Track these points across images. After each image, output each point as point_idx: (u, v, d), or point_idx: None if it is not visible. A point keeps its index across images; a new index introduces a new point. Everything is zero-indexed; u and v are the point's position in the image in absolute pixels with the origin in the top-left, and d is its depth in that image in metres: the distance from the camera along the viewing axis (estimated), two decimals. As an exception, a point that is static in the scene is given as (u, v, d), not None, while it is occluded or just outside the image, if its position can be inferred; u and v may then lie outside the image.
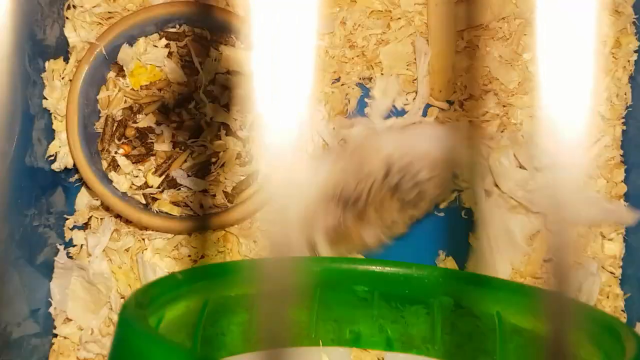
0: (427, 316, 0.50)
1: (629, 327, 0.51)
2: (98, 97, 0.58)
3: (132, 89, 0.59)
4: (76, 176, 0.59)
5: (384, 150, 0.55)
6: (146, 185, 0.58)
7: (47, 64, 0.56)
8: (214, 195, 0.58)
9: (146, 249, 0.58)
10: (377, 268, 0.52)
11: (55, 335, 0.57)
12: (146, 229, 0.58)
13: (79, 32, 0.59)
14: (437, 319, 0.50)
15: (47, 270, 0.57)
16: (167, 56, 0.59)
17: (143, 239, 0.58)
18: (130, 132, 0.58)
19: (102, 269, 0.57)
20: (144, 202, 0.58)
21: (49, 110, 0.57)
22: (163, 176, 0.58)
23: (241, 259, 0.57)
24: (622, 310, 0.58)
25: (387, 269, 0.51)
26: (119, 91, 0.58)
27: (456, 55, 0.61)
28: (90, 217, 0.59)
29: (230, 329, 0.51)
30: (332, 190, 0.55)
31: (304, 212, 0.55)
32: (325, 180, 0.55)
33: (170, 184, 0.58)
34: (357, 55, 0.61)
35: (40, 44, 0.56)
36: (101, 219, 0.59)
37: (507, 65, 0.61)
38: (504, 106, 0.60)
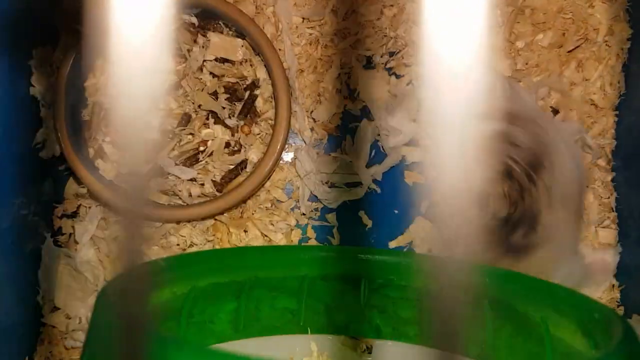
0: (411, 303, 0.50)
1: (616, 313, 0.50)
2: (85, 84, 0.58)
3: (120, 77, 0.58)
4: (64, 165, 0.59)
5: None
6: (134, 173, 0.57)
7: (34, 51, 0.56)
8: (203, 184, 0.58)
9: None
10: (366, 256, 0.51)
11: (44, 324, 0.57)
12: (134, 217, 0.57)
13: (67, 18, 0.58)
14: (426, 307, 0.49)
15: (35, 258, 0.57)
16: (155, 43, 0.58)
17: (131, 228, 0.58)
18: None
19: (90, 257, 0.57)
20: (132, 190, 0.57)
21: (37, 98, 0.56)
22: (150, 164, 0.57)
23: (227, 247, 0.57)
24: (617, 302, 0.58)
25: (376, 257, 0.51)
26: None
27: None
28: (79, 205, 0.59)
29: (219, 317, 0.51)
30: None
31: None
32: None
33: (158, 172, 0.57)
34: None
35: (29, 31, 0.55)
36: (89, 207, 0.58)
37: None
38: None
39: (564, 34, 0.60)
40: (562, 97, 0.60)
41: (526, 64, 0.60)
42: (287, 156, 0.60)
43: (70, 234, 0.58)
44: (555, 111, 0.60)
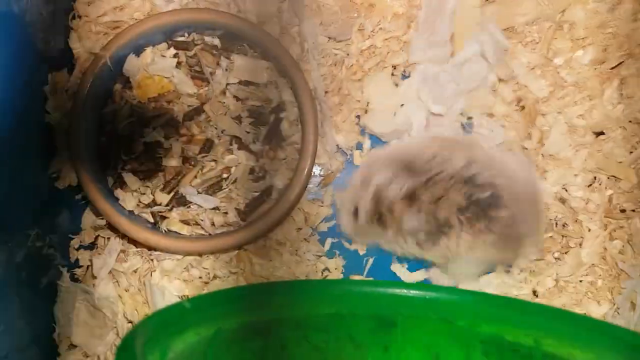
0: (460, 343, 0.46)
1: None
2: (104, 110, 0.55)
3: (139, 102, 0.56)
4: (81, 194, 0.56)
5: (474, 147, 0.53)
6: (154, 202, 0.55)
7: (50, 76, 0.54)
8: (226, 213, 0.55)
9: (154, 270, 0.55)
10: (402, 291, 0.48)
11: (59, 363, 0.54)
12: (154, 249, 0.54)
13: (84, 42, 0.56)
14: (465, 346, 0.46)
15: (51, 293, 0.54)
16: (176, 66, 0.56)
17: (151, 260, 0.55)
18: (137, 147, 0.55)
19: (108, 292, 0.54)
20: (151, 220, 0.55)
21: (52, 125, 0.54)
22: (172, 193, 0.55)
23: (253, 284, 0.53)
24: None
25: (412, 292, 0.48)
26: (125, 104, 0.55)
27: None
28: (97, 236, 0.56)
29: (245, 357, 0.48)
30: (403, 157, 0.52)
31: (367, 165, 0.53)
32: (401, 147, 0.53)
33: (180, 201, 0.55)
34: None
35: (43, 56, 0.53)
36: (107, 238, 0.55)
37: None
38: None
39: (605, 50, 0.57)
40: (603, 117, 0.56)
41: (565, 81, 0.57)
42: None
43: (88, 267, 0.56)
44: (599, 133, 0.56)
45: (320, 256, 0.56)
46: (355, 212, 0.52)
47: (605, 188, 0.56)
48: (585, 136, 0.56)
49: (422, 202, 0.49)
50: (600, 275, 0.54)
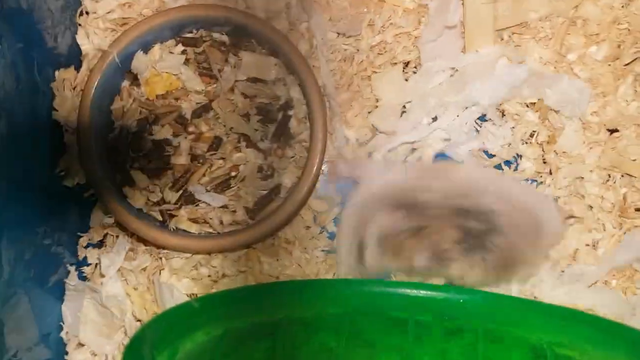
0: (470, 344, 0.46)
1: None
2: (111, 107, 0.55)
3: (148, 99, 0.55)
4: (89, 192, 0.56)
5: (471, 177, 0.53)
6: (163, 201, 0.54)
7: (57, 73, 0.53)
8: (235, 211, 0.54)
9: (163, 268, 0.55)
10: (413, 292, 0.47)
11: (68, 362, 0.54)
12: (163, 247, 0.54)
13: (92, 39, 0.56)
14: (479, 347, 0.46)
15: (59, 292, 0.54)
16: (184, 63, 0.55)
17: (160, 258, 0.55)
18: (145, 145, 0.55)
19: (116, 291, 0.53)
20: (160, 219, 0.54)
21: (60, 122, 0.54)
22: (180, 191, 0.54)
23: (261, 283, 0.53)
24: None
25: (423, 293, 0.47)
26: (133, 101, 0.55)
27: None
28: (106, 234, 0.56)
29: (254, 357, 0.47)
30: (400, 195, 0.51)
31: (364, 208, 0.52)
32: (395, 184, 0.52)
33: (188, 199, 0.54)
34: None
35: (51, 52, 0.53)
36: (116, 236, 0.55)
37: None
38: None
39: (619, 46, 0.56)
40: (617, 114, 0.55)
41: (578, 78, 0.56)
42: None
43: (96, 265, 0.55)
44: (613, 130, 0.56)
45: (329, 254, 0.55)
46: (359, 254, 0.52)
47: (620, 186, 0.55)
48: (599, 133, 0.56)
49: (427, 238, 0.50)
50: (614, 275, 0.53)
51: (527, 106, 0.56)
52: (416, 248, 0.50)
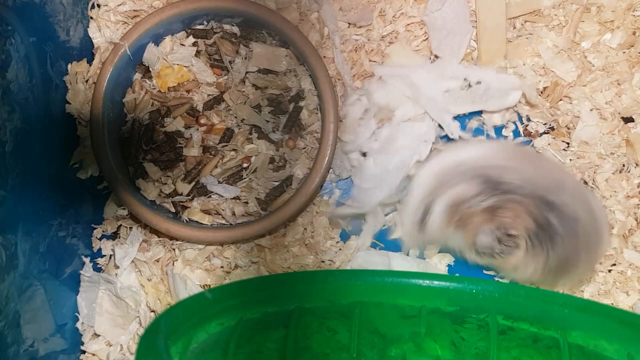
0: (481, 335, 0.46)
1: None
2: (124, 100, 0.55)
3: (159, 91, 0.55)
4: (103, 184, 0.56)
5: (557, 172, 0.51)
6: (175, 192, 0.55)
7: (69, 66, 0.54)
8: (247, 203, 0.54)
9: (176, 260, 0.55)
10: (425, 282, 0.47)
11: (83, 352, 0.54)
12: (176, 239, 0.54)
13: (104, 32, 0.56)
14: (492, 338, 0.45)
15: (74, 283, 0.55)
16: (195, 55, 0.55)
17: (173, 250, 0.55)
18: (158, 137, 0.55)
19: (131, 282, 0.54)
20: (173, 210, 0.55)
21: (73, 115, 0.54)
22: (193, 183, 0.54)
23: (274, 274, 0.53)
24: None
25: (436, 283, 0.47)
26: (145, 93, 0.55)
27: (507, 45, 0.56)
28: (119, 226, 0.56)
29: (267, 346, 0.48)
30: (483, 169, 0.49)
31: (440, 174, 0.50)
32: (481, 157, 0.50)
33: (201, 191, 0.55)
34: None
35: (63, 46, 0.53)
36: (129, 228, 0.56)
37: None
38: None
39: (634, 33, 0.55)
40: (632, 102, 0.55)
41: (593, 66, 0.55)
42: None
43: (111, 256, 0.56)
44: (628, 119, 0.55)
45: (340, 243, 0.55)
46: (422, 219, 0.50)
47: (634, 176, 0.54)
48: (614, 122, 0.55)
49: (499, 217, 0.48)
50: (630, 265, 0.53)
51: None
52: (484, 225, 0.48)
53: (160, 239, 0.55)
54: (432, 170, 0.51)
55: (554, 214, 0.47)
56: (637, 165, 0.54)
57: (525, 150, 0.54)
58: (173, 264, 0.55)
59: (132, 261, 0.55)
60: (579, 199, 0.49)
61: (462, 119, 0.56)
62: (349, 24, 0.57)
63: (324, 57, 0.55)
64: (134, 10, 0.56)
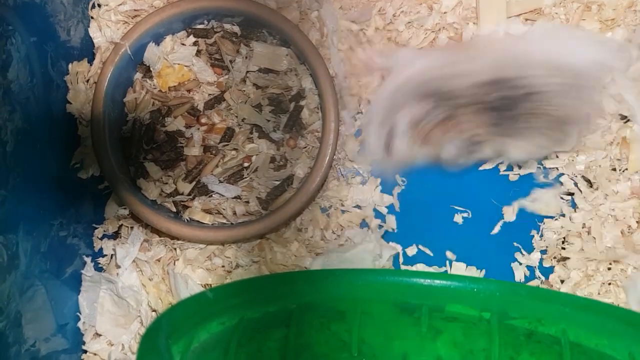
0: (483, 333, 0.46)
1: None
2: (124, 100, 0.55)
3: (160, 91, 0.55)
4: (104, 184, 0.56)
5: (511, 51, 0.50)
6: (176, 192, 0.55)
7: (70, 66, 0.54)
8: (248, 202, 0.55)
9: (178, 259, 0.55)
10: (426, 281, 0.47)
11: (85, 352, 0.54)
12: (177, 238, 0.54)
13: (104, 31, 0.56)
14: (494, 337, 0.45)
15: (75, 283, 0.55)
16: (196, 54, 0.55)
17: (174, 249, 0.55)
18: (159, 136, 0.55)
19: (132, 282, 0.54)
20: (174, 210, 0.55)
21: (74, 115, 0.54)
22: (194, 182, 0.54)
23: (275, 273, 0.53)
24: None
25: (437, 282, 0.47)
26: (146, 93, 0.55)
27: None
28: (120, 225, 0.56)
29: (268, 346, 0.48)
30: (431, 82, 0.49)
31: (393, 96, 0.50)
32: (424, 72, 0.50)
33: (202, 190, 0.55)
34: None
35: (64, 46, 0.53)
36: (130, 227, 0.56)
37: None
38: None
39: (635, 31, 0.55)
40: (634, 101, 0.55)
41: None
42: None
43: (112, 256, 0.56)
44: (626, 118, 0.55)
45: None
46: (387, 142, 0.51)
47: (632, 174, 0.54)
48: (612, 121, 0.55)
49: (456, 126, 0.48)
50: (629, 263, 0.53)
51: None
52: (445, 136, 0.49)
53: (162, 238, 0.55)
54: (384, 95, 0.51)
55: (507, 88, 0.47)
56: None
57: (471, 43, 0.54)
58: (174, 264, 0.55)
59: (134, 261, 0.55)
60: (534, 58, 0.49)
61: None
62: (350, 22, 0.57)
63: (325, 55, 0.55)
64: (135, 10, 0.56)
